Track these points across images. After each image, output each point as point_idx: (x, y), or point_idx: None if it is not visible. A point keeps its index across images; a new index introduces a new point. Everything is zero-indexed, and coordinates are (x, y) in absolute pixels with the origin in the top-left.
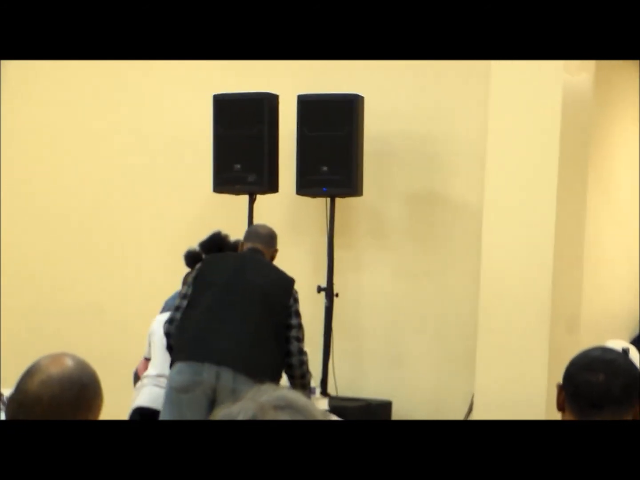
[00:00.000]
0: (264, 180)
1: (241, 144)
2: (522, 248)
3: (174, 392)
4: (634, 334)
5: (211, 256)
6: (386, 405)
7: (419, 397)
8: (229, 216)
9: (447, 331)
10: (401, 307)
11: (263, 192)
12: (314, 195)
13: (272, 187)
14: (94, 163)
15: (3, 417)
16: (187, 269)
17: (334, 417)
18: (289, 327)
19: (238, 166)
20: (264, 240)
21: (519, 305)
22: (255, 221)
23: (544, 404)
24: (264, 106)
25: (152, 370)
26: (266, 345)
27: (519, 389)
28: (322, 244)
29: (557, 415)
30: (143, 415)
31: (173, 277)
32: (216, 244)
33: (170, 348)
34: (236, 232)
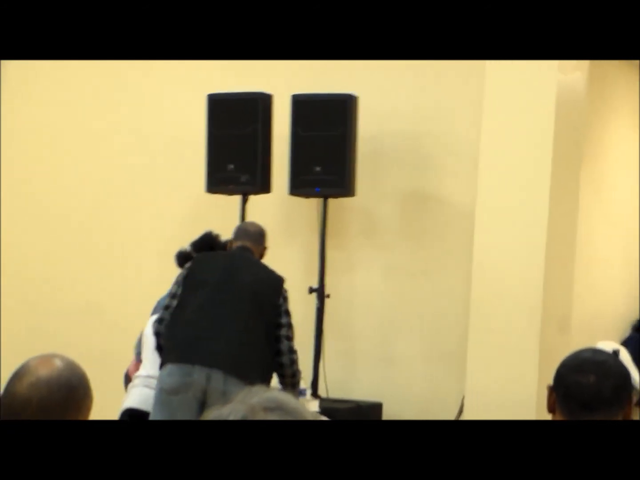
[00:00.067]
0: (256, 180)
1: (234, 143)
2: (514, 248)
3: (164, 393)
4: (625, 335)
5: (201, 255)
6: (376, 407)
7: (410, 398)
8: (224, 216)
9: (438, 332)
10: (392, 308)
11: (256, 193)
12: (307, 195)
13: (264, 187)
14: (94, 163)
15: None
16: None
17: (324, 419)
18: (279, 326)
19: (231, 166)
20: (252, 238)
21: (511, 305)
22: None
23: (534, 404)
24: (258, 106)
25: (142, 371)
26: (256, 344)
27: (510, 389)
28: (314, 244)
29: (547, 416)
30: (132, 416)
31: (173, 277)
32: (207, 243)
33: (159, 348)
34: (230, 232)
